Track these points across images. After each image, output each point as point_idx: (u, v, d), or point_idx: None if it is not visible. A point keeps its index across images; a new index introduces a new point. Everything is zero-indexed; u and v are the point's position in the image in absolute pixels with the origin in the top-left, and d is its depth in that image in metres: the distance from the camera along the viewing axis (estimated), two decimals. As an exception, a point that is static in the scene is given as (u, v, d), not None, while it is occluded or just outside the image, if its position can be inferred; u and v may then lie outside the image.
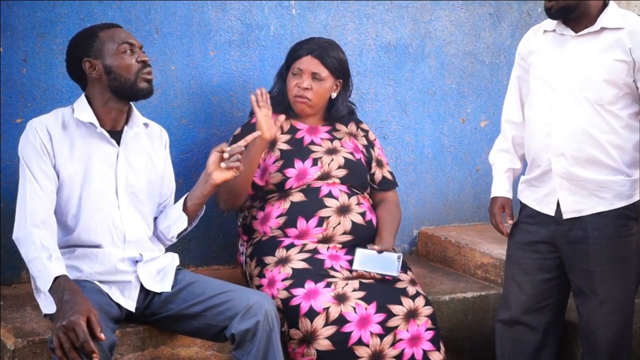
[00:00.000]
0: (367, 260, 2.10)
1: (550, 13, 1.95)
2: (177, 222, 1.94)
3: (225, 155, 1.86)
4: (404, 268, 2.14)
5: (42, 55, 2.17)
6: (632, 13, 2.02)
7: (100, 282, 1.78)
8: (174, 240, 1.98)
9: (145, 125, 1.95)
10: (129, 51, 1.84)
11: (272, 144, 2.19)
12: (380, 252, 2.11)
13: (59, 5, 2.17)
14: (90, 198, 1.82)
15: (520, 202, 2.17)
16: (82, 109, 1.84)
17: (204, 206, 2.00)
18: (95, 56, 1.83)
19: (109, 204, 1.84)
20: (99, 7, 2.23)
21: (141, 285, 1.83)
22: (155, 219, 2.01)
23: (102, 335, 1.51)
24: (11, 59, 2.12)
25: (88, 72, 1.84)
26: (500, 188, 2.18)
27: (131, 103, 1.91)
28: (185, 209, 1.94)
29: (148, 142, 1.96)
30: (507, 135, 2.20)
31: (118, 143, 1.87)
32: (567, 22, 1.99)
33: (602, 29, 1.94)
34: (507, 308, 2.16)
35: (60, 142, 1.81)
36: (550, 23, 2.04)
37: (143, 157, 1.93)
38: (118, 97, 1.84)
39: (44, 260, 1.63)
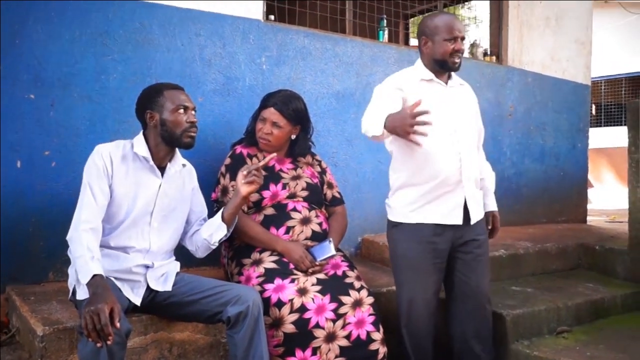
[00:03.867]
0: (316, 253, 2.16)
1: (455, 68, 2.11)
2: (217, 230, 2.02)
3: (245, 172, 1.99)
4: (351, 267, 2.22)
5: (66, 101, 2.30)
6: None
7: (115, 278, 1.85)
8: (216, 245, 2.04)
9: (184, 165, 2.07)
10: (182, 111, 1.95)
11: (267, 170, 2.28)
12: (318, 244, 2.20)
13: (80, 62, 2.32)
14: (131, 214, 1.91)
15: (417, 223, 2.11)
16: (140, 146, 1.95)
17: (237, 217, 2.06)
18: (156, 110, 1.95)
19: (144, 221, 1.94)
20: (111, 63, 2.38)
21: (147, 284, 1.92)
22: (188, 232, 2.08)
23: (118, 325, 1.56)
24: (41, 104, 2.25)
25: (147, 120, 1.97)
26: None
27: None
28: (222, 219, 2.03)
29: (182, 178, 2.06)
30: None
31: (162, 176, 1.98)
32: (438, 75, 2.13)
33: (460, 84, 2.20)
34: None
35: (119, 167, 1.90)
36: (425, 74, 2.11)
37: (177, 189, 2.03)
38: (166, 143, 1.97)
39: (87, 260, 1.70)
